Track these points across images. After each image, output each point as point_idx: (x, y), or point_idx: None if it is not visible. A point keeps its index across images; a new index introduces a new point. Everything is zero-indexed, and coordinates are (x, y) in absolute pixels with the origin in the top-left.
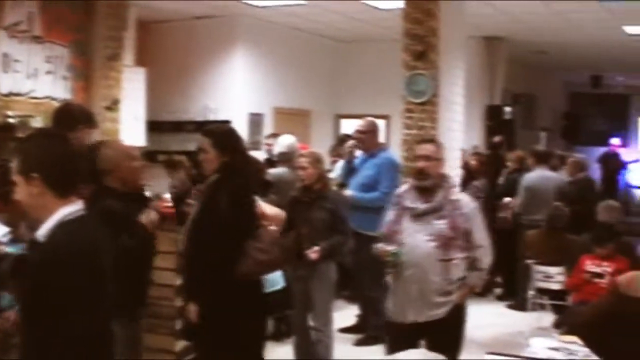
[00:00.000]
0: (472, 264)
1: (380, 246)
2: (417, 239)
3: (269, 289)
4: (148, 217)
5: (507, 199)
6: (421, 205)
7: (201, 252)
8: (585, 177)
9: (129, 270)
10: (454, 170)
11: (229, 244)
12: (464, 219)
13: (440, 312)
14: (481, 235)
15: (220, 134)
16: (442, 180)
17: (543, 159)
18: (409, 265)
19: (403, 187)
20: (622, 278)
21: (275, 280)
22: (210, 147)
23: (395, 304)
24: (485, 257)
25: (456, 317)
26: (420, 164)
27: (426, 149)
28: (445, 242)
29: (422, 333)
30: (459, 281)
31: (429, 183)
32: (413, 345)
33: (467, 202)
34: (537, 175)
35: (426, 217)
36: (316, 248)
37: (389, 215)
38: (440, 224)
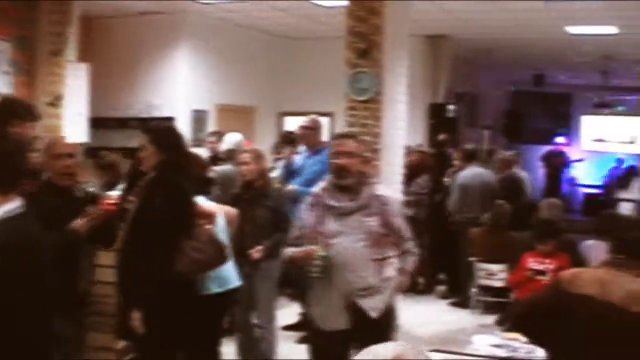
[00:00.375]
0: (404, 252)
1: (301, 250)
2: (346, 240)
3: (225, 287)
4: (77, 223)
5: None
6: (347, 204)
7: (137, 250)
8: (512, 174)
9: (59, 268)
10: (397, 167)
11: (164, 242)
12: (393, 214)
13: (374, 312)
14: (407, 228)
15: (159, 131)
16: (363, 177)
17: (473, 156)
18: (339, 267)
19: (320, 186)
20: (565, 274)
21: (231, 278)
22: (148, 144)
23: (325, 311)
24: (415, 247)
25: (387, 318)
26: (342, 161)
27: (348, 145)
28: (378, 240)
29: (353, 338)
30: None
31: (350, 181)
32: (344, 353)
33: (391, 196)
34: (470, 173)
35: (354, 216)
36: (259, 248)
37: (307, 216)
38: (370, 222)
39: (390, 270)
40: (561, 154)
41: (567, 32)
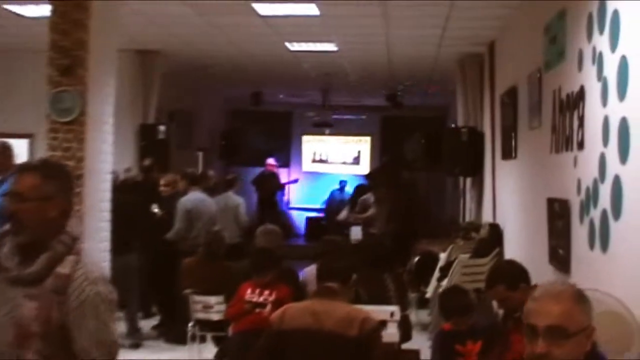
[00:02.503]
0: None
1: None
2: None
3: None
4: None
5: None
6: (15, 268)
7: None
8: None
9: None
10: (104, 193)
11: None
12: (67, 309)
13: None
14: (92, 343)
15: None
16: (50, 236)
17: (196, 181)
18: None
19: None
20: (275, 315)
21: None
22: None
23: None
24: None
25: None
26: (8, 205)
27: (21, 183)
28: (24, 336)
29: None
30: None
31: (23, 238)
32: None
33: (84, 283)
34: (195, 198)
35: (15, 288)
36: None
37: None
38: (28, 306)
39: None
40: (274, 176)
41: (287, 48)
